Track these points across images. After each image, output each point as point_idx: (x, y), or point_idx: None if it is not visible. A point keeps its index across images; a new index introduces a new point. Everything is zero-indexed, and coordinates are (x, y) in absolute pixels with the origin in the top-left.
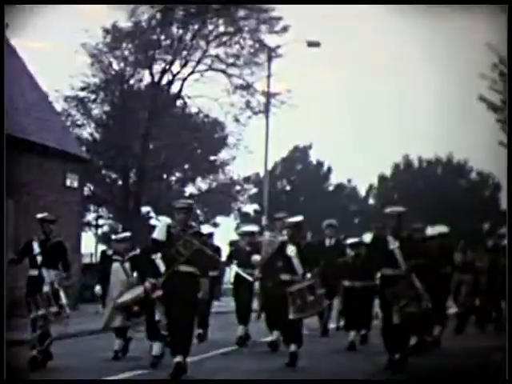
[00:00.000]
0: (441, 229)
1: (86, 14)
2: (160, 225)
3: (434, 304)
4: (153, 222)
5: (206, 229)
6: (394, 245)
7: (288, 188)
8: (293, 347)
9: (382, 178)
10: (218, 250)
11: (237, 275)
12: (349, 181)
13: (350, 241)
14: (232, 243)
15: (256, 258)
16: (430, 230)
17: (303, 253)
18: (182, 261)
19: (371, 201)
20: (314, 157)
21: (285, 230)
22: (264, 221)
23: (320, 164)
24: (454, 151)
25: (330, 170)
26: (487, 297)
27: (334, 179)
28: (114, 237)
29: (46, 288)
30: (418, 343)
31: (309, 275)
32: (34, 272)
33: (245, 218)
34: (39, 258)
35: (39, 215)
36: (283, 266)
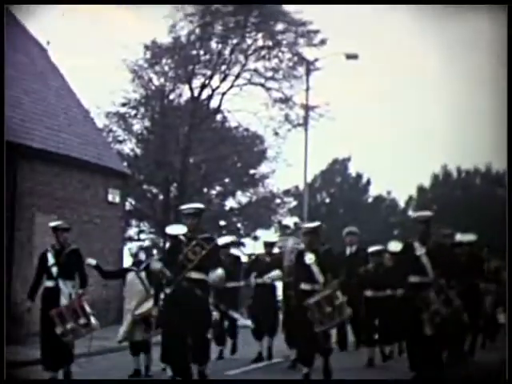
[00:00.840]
0: (469, 237)
1: (126, 30)
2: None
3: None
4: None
5: (223, 240)
6: (420, 251)
7: (327, 200)
8: (305, 369)
9: (420, 189)
10: (237, 259)
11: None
12: (388, 193)
13: (371, 249)
14: (251, 254)
15: (276, 272)
16: (459, 237)
17: (322, 260)
18: (191, 267)
19: (411, 212)
20: (353, 169)
21: (302, 237)
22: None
23: (359, 176)
24: (493, 161)
25: (369, 182)
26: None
27: (373, 191)
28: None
29: (63, 300)
30: (451, 356)
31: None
32: (50, 284)
33: (285, 230)
34: (54, 269)
35: (52, 223)
36: (303, 275)
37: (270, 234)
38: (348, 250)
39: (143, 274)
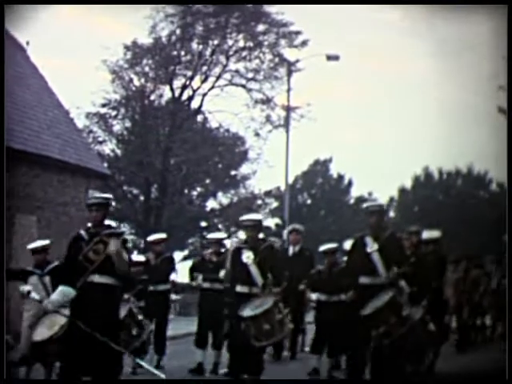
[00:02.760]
0: (433, 233)
1: (107, 30)
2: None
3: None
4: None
5: (153, 237)
6: (372, 247)
7: (309, 201)
8: (249, 377)
9: (402, 191)
10: (168, 259)
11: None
12: (369, 194)
13: (323, 247)
14: (195, 254)
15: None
16: (424, 234)
17: (262, 259)
18: (94, 269)
19: (392, 213)
20: (334, 170)
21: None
22: (285, 235)
23: (340, 177)
24: (474, 162)
25: (350, 183)
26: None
27: (355, 192)
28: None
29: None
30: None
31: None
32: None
33: (266, 232)
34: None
35: (30, 246)
36: (239, 276)
37: (217, 232)
38: (291, 250)
39: (47, 279)
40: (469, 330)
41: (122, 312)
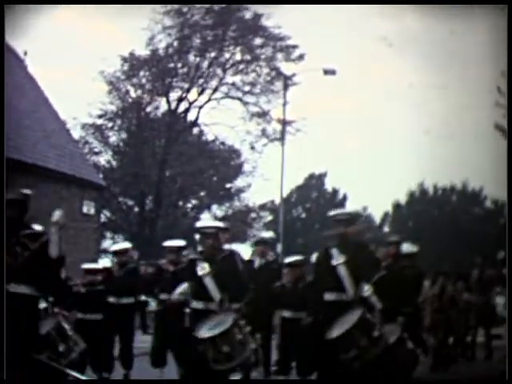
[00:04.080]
0: (409, 248)
1: (104, 41)
2: None
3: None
4: None
5: (118, 246)
6: (338, 260)
7: (303, 215)
8: None
9: (396, 206)
10: (133, 270)
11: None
12: (364, 208)
13: (288, 259)
14: (152, 263)
15: (184, 287)
16: (404, 247)
17: (219, 272)
18: (10, 277)
19: (386, 228)
20: (329, 184)
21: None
22: (279, 248)
23: (335, 191)
24: (469, 179)
25: (345, 197)
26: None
27: (350, 207)
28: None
29: None
30: None
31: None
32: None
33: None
34: None
35: None
36: (194, 290)
37: (177, 240)
38: (257, 262)
39: None
40: (446, 349)
41: (47, 326)
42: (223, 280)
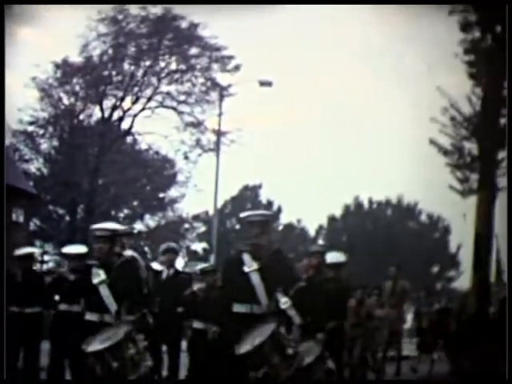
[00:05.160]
0: (338, 257)
1: (36, 47)
2: None
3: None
4: None
5: (22, 251)
6: (250, 267)
7: (237, 227)
8: None
9: (331, 219)
10: (36, 276)
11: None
12: (298, 221)
13: (199, 266)
14: (50, 271)
15: None
16: (328, 257)
17: (115, 281)
18: None
19: (320, 241)
20: (263, 196)
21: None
22: (213, 260)
23: (270, 203)
24: (405, 193)
25: (279, 209)
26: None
27: (284, 219)
28: None
29: None
30: None
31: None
32: None
33: (193, 256)
34: None
35: None
36: (89, 302)
37: (76, 245)
38: (165, 273)
39: None
40: (363, 366)
41: None
42: (120, 289)
